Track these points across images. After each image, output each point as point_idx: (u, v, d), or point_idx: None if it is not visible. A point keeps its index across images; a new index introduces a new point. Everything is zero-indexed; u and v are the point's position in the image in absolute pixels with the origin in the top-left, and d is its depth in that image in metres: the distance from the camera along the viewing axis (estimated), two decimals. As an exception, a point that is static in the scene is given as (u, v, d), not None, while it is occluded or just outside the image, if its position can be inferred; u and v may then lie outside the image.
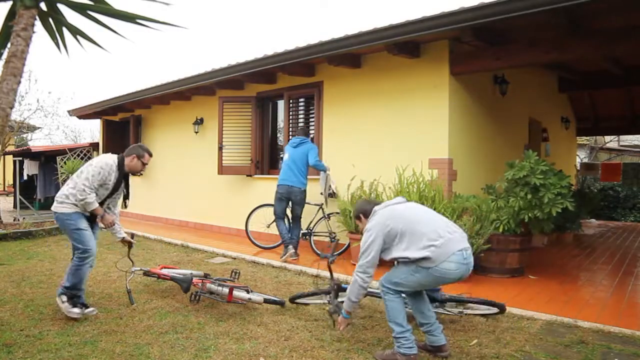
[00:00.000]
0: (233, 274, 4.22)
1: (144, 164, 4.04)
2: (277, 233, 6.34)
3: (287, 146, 6.36)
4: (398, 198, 3.18)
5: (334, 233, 6.33)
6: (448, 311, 3.59)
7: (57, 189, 12.34)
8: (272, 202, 6.33)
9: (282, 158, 7.54)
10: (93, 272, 5.29)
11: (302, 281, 4.93)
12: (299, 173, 6.08)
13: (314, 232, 6.48)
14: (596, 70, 8.28)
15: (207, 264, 5.86)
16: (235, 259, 6.16)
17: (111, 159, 3.89)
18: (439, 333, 2.99)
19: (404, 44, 5.58)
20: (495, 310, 3.58)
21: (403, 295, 2.96)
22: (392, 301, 2.93)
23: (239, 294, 3.74)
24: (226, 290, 3.73)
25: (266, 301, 3.83)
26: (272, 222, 6.57)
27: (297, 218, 6.22)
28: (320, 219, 6.50)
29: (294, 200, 6.13)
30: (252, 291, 3.83)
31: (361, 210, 3.18)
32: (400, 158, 5.86)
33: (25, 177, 13.14)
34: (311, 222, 6.52)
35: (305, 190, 6.14)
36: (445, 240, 2.80)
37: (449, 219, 3.26)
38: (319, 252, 6.26)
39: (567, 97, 11.17)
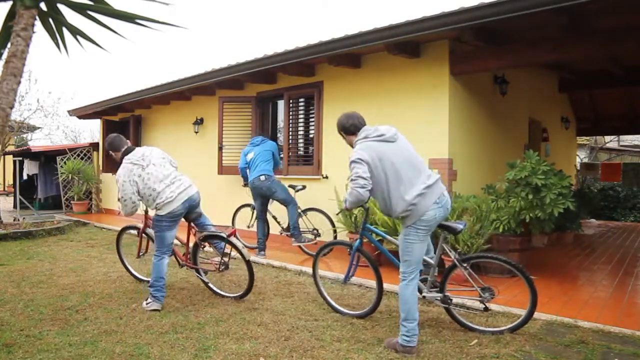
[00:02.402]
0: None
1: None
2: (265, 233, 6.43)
3: (248, 147, 6.48)
4: (388, 133, 3.22)
5: (317, 229, 6.34)
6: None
7: (57, 189, 12.37)
8: (247, 203, 6.46)
9: (281, 158, 7.53)
10: (93, 272, 5.30)
11: (302, 281, 4.93)
12: (262, 167, 6.20)
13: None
14: (596, 70, 8.28)
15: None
16: (235, 258, 6.15)
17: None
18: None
19: (404, 44, 5.57)
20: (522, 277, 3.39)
21: (417, 280, 3.18)
22: (403, 289, 3.14)
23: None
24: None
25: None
26: (251, 222, 6.76)
27: (285, 204, 6.21)
28: (297, 216, 6.43)
29: (267, 194, 6.16)
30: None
31: (342, 127, 3.41)
32: (400, 158, 5.85)
33: (25, 177, 13.14)
34: (288, 219, 6.46)
35: (269, 178, 6.13)
36: (416, 196, 3.04)
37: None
38: (305, 249, 6.32)
39: (567, 97, 11.17)
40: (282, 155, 7.71)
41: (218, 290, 4.43)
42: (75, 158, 12.04)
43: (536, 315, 3.75)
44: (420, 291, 3.45)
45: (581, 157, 16.32)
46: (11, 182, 14.74)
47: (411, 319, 3.07)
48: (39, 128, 14.00)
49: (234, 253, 4.42)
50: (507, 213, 5.03)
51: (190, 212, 4.32)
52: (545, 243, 7.33)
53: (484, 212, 5.02)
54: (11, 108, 2.19)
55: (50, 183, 13.05)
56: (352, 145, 3.33)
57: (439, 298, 3.50)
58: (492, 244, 5.00)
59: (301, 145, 7.65)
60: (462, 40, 5.37)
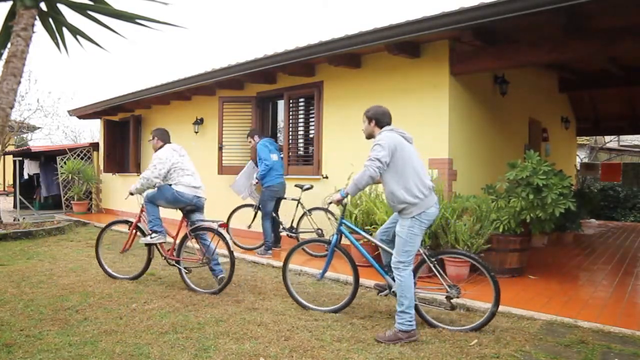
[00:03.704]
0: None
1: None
2: (260, 233, 6.46)
3: (270, 147, 6.41)
4: (406, 134, 3.58)
5: (321, 229, 6.32)
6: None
7: (58, 188, 12.37)
8: (249, 203, 6.39)
9: (280, 158, 7.53)
10: (93, 272, 5.30)
11: (302, 281, 4.93)
12: (282, 170, 6.43)
13: (299, 230, 6.46)
14: (596, 70, 8.28)
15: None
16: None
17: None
18: None
19: (404, 44, 5.57)
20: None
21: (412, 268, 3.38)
22: (406, 277, 3.33)
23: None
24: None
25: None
26: (252, 222, 6.67)
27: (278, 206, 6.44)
28: (302, 215, 6.45)
29: (281, 196, 6.39)
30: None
31: (375, 116, 3.63)
32: (400, 158, 5.85)
33: (25, 177, 13.14)
34: (292, 219, 6.47)
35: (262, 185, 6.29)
36: (427, 193, 3.38)
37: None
38: (310, 251, 6.26)
39: (567, 97, 11.17)
40: (282, 155, 7.72)
41: (194, 287, 4.57)
42: (75, 158, 12.03)
43: (536, 315, 3.77)
44: (390, 287, 3.69)
45: (581, 157, 16.31)
46: (11, 182, 14.73)
47: (412, 305, 3.30)
48: (39, 128, 14.00)
49: (224, 252, 4.50)
50: (508, 213, 5.03)
51: (191, 211, 4.84)
52: (545, 243, 7.33)
53: (484, 212, 5.02)
54: (11, 108, 2.19)
55: (51, 183, 13.05)
56: (369, 136, 3.66)
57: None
58: (492, 244, 5.00)
59: (301, 145, 7.66)
60: (462, 40, 5.37)
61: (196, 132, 9.20)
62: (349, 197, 3.82)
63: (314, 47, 5.97)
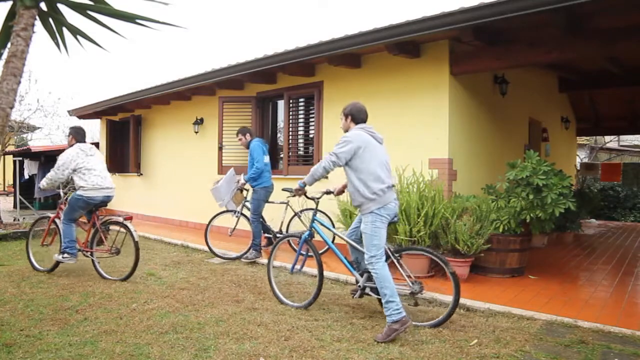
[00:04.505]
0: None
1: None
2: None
3: (263, 147, 6.24)
4: (377, 134, 3.74)
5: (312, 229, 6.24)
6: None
7: (57, 188, 12.34)
8: (236, 209, 6.22)
9: (280, 158, 7.54)
10: (93, 272, 5.29)
11: (301, 281, 4.93)
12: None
13: (291, 234, 6.39)
14: (596, 70, 8.28)
15: (207, 264, 5.86)
16: (235, 259, 6.15)
17: None
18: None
19: (404, 44, 5.57)
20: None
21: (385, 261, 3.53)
22: (381, 269, 3.46)
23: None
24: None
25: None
26: (234, 229, 6.32)
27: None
28: (292, 217, 6.35)
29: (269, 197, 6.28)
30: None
31: (351, 112, 3.80)
32: (400, 158, 5.84)
33: (26, 177, 13.13)
34: (282, 222, 6.33)
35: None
36: (386, 190, 3.53)
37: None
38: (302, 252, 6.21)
39: (567, 97, 11.17)
40: (281, 155, 7.72)
41: (105, 274, 5.03)
42: (75, 158, 12.00)
43: (536, 315, 3.77)
44: (356, 281, 3.84)
45: (581, 157, 16.32)
46: (11, 182, 14.73)
47: (395, 294, 3.39)
48: (39, 128, 14.01)
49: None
50: (507, 213, 5.03)
51: (101, 205, 5.16)
52: (545, 243, 7.33)
53: (484, 212, 5.02)
54: (11, 108, 2.19)
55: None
56: (346, 131, 3.78)
57: (374, 289, 3.68)
58: (492, 244, 5.00)
59: (301, 145, 7.66)
60: (462, 40, 5.37)
61: (196, 132, 9.20)
62: (319, 198, 4.16)
63: (314, 47, 5.96)
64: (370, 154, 3.55)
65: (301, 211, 6.28)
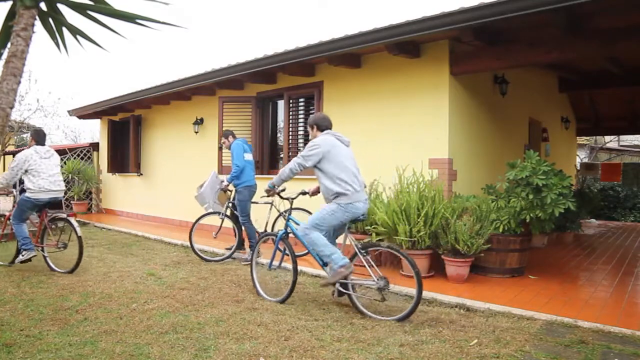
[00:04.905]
0: None
1: None
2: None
3: (245, 146, 6.17)
4: (343, 137, 4.05)
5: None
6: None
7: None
8: (220, 210, 6.19)
9: (280, 158, 7.54)
10: (93, 272, 5.30)
11: (301, 281, 4.93)
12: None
13: (270, 233, 6.35)
14: (596, 70, 8.28)
15: (207, 264, 5.86)
16: (235, 259, 6.16)
17: None
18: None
19: (404, 44, 5.58)
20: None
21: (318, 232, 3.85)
22: (312, 235, 3.83)
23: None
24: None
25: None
26: (219, 232, 6.29)
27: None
28: (277, 217, 6.30)
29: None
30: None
31: (315, 122, 4.11)
32: (400, 158, 5.86)
33: None
34: (266, 222, 6.22)
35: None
36: (358, 189, 3.85)
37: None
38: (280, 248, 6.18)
39: (567, 97, 11.17)
40: (282, 155, 7.72)
41: (54, 267, 5.35)
42: (75, 158, 12.04)
43: (536, 315, 3.77)
44: (326, 275, 4.02)
45: (581, 157, 16.32)
46: (11, 182, 14.68)
47: (333, 251, 3.80)
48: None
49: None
50: (507, 213, 5.03)
51: (48, 205, 5.41)
52: (545, 243, 7.33)
53: (484, 212, 5.02)
54: (11, 108, 2.18)
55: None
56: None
57: (344, 284, 3.87)
58: (492, 244, 5.00)
59: (301, 145, 7.65)
60: (462, 40, 5.37)
61: (196, 132, 9.20)
62: (296, 197, 4.47)
63: (314, 47, 5.97)
64: (337, 156, 3.87)
65: (286, 211, 6.25)
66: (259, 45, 54.03)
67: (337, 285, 3.88)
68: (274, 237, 4.45)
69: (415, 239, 4.96)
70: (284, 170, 3.97)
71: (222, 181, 6.20)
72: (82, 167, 11.72)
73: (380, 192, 5.84)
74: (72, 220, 5.33)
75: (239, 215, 6.08)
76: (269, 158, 8.15)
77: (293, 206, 4.47)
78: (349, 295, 3.89)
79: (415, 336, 3.34)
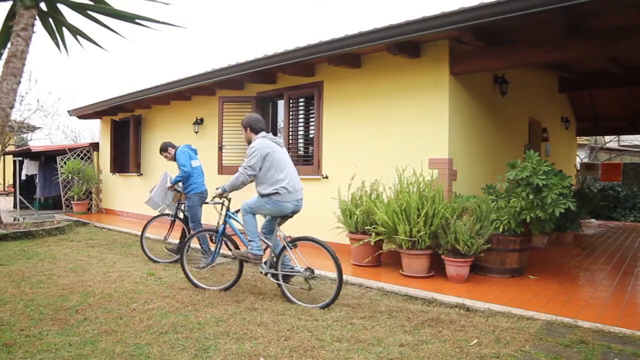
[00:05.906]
0: None
1: None
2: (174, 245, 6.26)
3: (190, 152, 6.12)
4: (278, 139, 4.34)
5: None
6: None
7: (57, 188, 12.37)
8: (169, 212, 6.14)
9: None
10: (93, 272, 5.30)
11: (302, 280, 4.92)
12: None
13: (207, 228, 6.29)
14: (596, 70, 8.28)
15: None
16: (235, 258, 6.14)
17: None
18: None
19: (404, 44, 5.58)
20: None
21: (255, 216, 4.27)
22: (246, 217, 4.26)
23: None
24: None
25: None
26: (169, 233, 6.31)
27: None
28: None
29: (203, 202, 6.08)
30: None
31: (248, 124, 4.37)
32: (400, 158, 5.86)
33: (23, 177, 13.12)
34: (218, 222, 6.27)
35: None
36: (291, 190, 4.16)
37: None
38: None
39: (567, 97, 11.17)
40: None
41: None
42: (75, 158, 12.04)
43: (536, 315, 3.77)
44: (262, 269, 4.37)
45: (581, 157, 16.31)
46: (11, 182, 14.73)
47: (255, 239, 4.26)
48: (39, 128, 14.01)
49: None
50: (507, 213, 5.03)
51: None
52: (545, 243, 7.33)
53: (484, 212, 5.02)
54: (11, 108, 2.19)
55: (50, 183, 13.05)
56: (248, 141, 4.38)
57: (275, 275, 4.28)
58: (492, 244, 5.00)
59: (301, 145, 7.66)
60: (462, 40, 5.37)
61: (196, 132, 9.20)
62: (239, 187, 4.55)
63: (314, 47, 5.96)
64: (276, 158, 4.15)
65: (236, 212, 6.22)
66: (259, 45, 54.04)
67: (270, 275, 4.33)
68: (212, 233, 4.88)
69: (415, 239, 4.96)
70: (235, 181, 4.21)
71: (169, 179, 6.15)
72: (82, 167, 11.72)
73: (381, 192, 5.84)
74: None
75: (190, 221, 6.03)
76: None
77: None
78: (279, 285, 4.26)
79: (415, 336, 3.34)
